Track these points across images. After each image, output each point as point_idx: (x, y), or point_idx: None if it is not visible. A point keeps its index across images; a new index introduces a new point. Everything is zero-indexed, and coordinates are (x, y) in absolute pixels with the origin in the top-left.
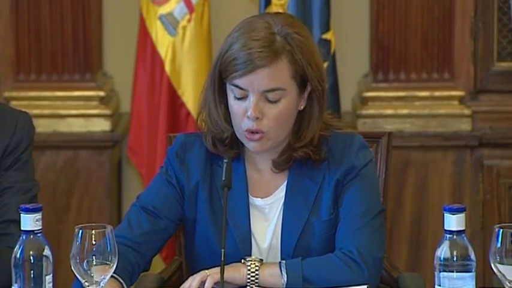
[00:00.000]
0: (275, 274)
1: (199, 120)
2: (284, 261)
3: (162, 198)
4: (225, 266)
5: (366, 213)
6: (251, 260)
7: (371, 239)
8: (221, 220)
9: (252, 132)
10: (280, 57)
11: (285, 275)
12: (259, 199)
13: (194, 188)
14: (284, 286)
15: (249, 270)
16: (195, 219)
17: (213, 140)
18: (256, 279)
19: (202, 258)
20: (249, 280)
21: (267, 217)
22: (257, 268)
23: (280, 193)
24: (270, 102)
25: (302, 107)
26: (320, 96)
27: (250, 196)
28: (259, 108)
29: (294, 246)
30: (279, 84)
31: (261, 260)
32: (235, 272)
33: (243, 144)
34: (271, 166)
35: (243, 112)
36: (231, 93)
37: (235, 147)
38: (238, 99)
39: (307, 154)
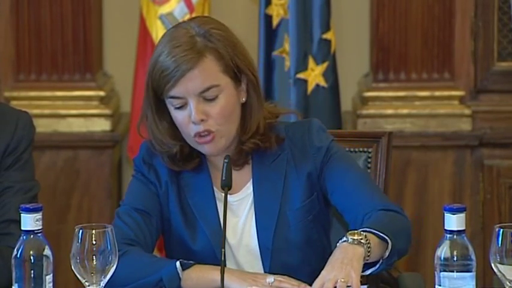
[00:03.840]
0: (378, 244)
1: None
2: (371, 229)
3: (148, 196)
4: (341, 253)
5: (366, 179)
6: (357, 235)
7: (388, 199)
8: (191, 219)
9: (202, 135)
10: (204, 55)
11: (390, 240)
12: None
13: (165, 190)
14: (388, 251)
15: (367, 247)
16: (169, 220)
17: (168, 158)
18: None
19: (179, 257)
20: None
21: (235, 213)
22: (369, 243)
23: (248, 189)
24: (209, 101)
25: (244, 99)
26: (255, 85)
27: (217, 191)
28: (201, 110)
29: (271, 238)
30: (212, 82)
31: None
32: (358, 255)
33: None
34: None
35: (187, 120)
36: (171, 106)
37: (195, 156)
38: (179, 108)
39: (256, 144)
